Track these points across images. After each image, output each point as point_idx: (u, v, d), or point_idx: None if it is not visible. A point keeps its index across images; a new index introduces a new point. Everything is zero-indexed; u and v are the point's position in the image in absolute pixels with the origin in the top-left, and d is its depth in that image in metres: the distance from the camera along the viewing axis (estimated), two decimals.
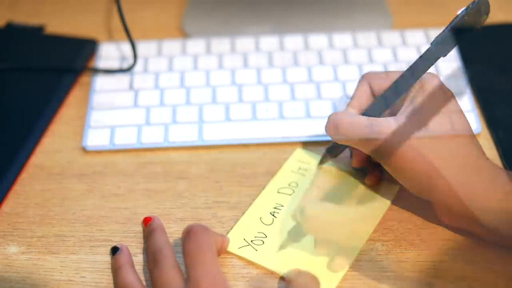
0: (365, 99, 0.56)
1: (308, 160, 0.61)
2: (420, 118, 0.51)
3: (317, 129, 0.63)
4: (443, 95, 0.52)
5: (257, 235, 0.55)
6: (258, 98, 0.67)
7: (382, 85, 0.55)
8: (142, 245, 0.55)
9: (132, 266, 0.53)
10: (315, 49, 0.72)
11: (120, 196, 0.59)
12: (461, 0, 0.77)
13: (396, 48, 0.71)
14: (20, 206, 0.59)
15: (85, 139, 0.64)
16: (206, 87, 0.68)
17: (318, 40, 0.73)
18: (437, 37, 0.51)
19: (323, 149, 0.62)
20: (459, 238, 0.54)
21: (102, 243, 0.56)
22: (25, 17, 0.78)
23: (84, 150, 0.64)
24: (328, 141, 0.63)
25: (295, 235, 0.54)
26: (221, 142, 0.63)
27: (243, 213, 0.57)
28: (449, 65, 0.69)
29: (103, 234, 0.56)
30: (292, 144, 0.63)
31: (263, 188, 0.59)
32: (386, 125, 0.51)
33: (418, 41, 0.72)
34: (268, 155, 0.62)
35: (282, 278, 0.52)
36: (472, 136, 0.52)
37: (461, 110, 0.53)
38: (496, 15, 0.75)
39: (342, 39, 0.73)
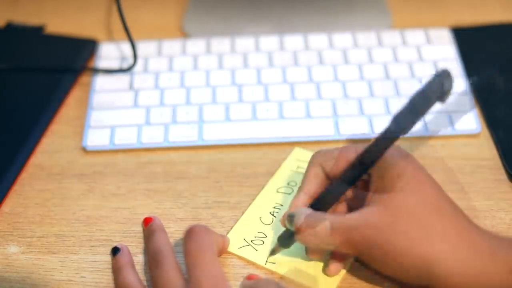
0: (317, 183, 0.52)
1: (307, 159, 0.60)
2: (398, 205, 0.47)
3: (317, 129, 0.63)
4: (412, 168, 0.48)
5: (257, 235, 0.55)
6: (258, 98, 0.67)
7: (336, 165, 0.51)
8: (142, 245, 0.55)
9: (133, 266, 0.53)
10: (315, 49, 0.72)
11: (120, 196, 0.59)
12: (461, 0, 0.78)
13: (396, 48, 0.71)
14: (20, 206, 0.59)
15: (85, 139, 0.64)
16: (206, 87, 0.68)
17: (318, 40, 0.73)
18: (396, 115, 0.46)
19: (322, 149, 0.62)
20: None
21: (102, 243, 0.56)
22: (25, 17, 0.78)
23: (84, 150, 0.64)
24: (326, 141, 0.63)
25: (284, 241, 0.52)
26: (221, 142, 0.63)
27: (243, 213, 0.57)
28: (449, 65, 0.69)
29: (103, 234, 0.56)
30: (292, 144, 0.63)
31: (263, 188, 0.59)
32: (369, 225, 0.46)
33: (418, 41, 0.72)
34: (268, 155, 0.62)
35: (281, 278, 0.52)
36: (455, 206, 0.48)
37: (432, 178, 0.48)
38: (497, 15, 0.75)
39: (342, 39, 0.73)
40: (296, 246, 0.52)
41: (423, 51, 0.71)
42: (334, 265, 0.51)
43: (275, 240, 0.53)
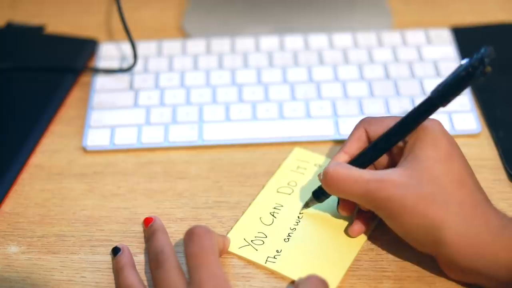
0: (359, 145, 0.54)
1: (307, 159, 0.61)
2: (424, 168, 0.48)
3: (317, 129, 0.63)
4: (445, 140, 0.50)
5: (257, 235, 0.55)
6: (258, 98, 0.67)
7: (378, 130, 0.53)
8: (143, 245, 0.55)
9: (134, 266, 0.53)
10: (315, 49, 0.72)
11: (120, 196, 0.59)
12: (461, 0, 0.78)
13: (396, 48, 0.71)
14: (20, 206, 0.59)
15: (85, 139, 0.64)
16: (206, 87, 0.68)
17: (318, 40, 0.73)
18: (438, 85, 0.48)
19: (322, 149, 0.62)
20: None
21: (102, 243, 0.56)
22: (25, 17, 0.78)
23: (84, 150, 0.64)
24: (326, 141, 0.63)
25: (319, 194, 0.55)
26: (221, 142, 0.63)
27: (243, 213, 0.57)
28: (449, 65, 0.69)
29: (103, 234, 0.56)
30: (292, 144, 0.63)
31: (263, 188, 0.59)
32: (389, 179, 0.48)
33: (418, 41, 0.72)
34: (268, 155, 0.62)
35: (292, 283, 0.52)
36: (477, 183, 0.50)
37: (463, 156, 0.50)
38: (497, 15, 0.75)
39: (342, 39, 0.73)
40: (322, 206, 0.56)
41: (423, 51, 0.71)
42: (358, 226, 0.53)
43: (275, 240, 0.54)
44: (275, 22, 0.76)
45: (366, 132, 0.54)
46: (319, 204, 0.56)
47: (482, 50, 0.46)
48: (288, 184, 0.59)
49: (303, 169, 0.60)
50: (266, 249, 0.54)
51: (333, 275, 0.52)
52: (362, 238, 0.54)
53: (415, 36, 0.73)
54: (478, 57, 0.46)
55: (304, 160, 0.61)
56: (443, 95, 0.48)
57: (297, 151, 0.62)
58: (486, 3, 0.77)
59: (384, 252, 0.54)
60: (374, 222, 0.55)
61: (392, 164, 0.53)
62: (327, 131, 0.63)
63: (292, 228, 0.55)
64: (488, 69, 0.46)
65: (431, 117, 0.50)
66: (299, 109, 0.65)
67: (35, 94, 0.68)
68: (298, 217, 0.56)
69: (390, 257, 0.53)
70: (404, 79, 0.68)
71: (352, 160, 0.53)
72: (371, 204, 0.50)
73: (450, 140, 0.50)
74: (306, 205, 0.56)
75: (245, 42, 0.73)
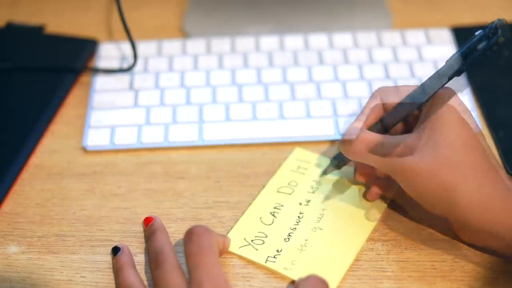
0: (375, 114, 0.55)
1: (308, 159, 0.61)
2: (438, 133, 0.50)
3: (317, 129, 0.63)
4: (460, 108, 0.51)
5: (257, 234, 0.55)
6: (258, 98, 0.67)
7: (394, 99, 0.54)
8: (143, 245, 0.55)
9: (134, 266, 0.53)
10: (315, 49, 0.72)
11: (120, 196, 0.59)
12: (461, 0, 0.78)
13: (396, 48, 0.71)
14: (20, 206, 0.59)
15: (85, 139, 0.64)
16: (206, 87, 0.68)
17: (318, 40, 0.73)
18: (452, 55, 0.50)
19: (322, 149, 0.62)
20: (458, 238, 0.54)
21: (102, 243, 0.55)
22: (25, 17, 0.78)
23: (84, 150, 0.64)
24: (326, 141, 0.63)
25: (337, 162, 0.57)
26: (221, 142, 0.63)
27: (244, 212, 0.57)
28: None
29: (103, 234, 0.56)
30: (292, 144, 0.63)
31: (263, 187, 0.59)
32: (405, 143, 0.50)
33: (418, 41, 0.72)
34: (268, 155, 0.62)
35: (292, 283, 0.52)
36: (489, 148, 0.51)
37: (476, 122, 0.52)
38: (497, 15, 0.75)
39: (342, 39, 0.73)
40: (341, 173, 0.58)
41: (423, 51, 0.71)
42: (375, 190, 0.56)
43: (276, 240, 0.54)
44: (275, 22, 0.76)
45: (382, 100, 0.55)
46: (319, 203, 0.56)
47: (496, 21, 0.48)
48: (289, 184, 0.59)
49: (304, 169, 0.60)
50: (266, 248, 0.54)
51: (333, 275, 0.52)
52: (362, 238, 0.54)
53: (415, 36, 0.73)
54: (492, 26, 0.47)
55: (305, 160, 0.61)
56: (459, 62, 0.49)
57: (298, 151, 0.62)
58: (486, 3, 0.77)
59: (384, 252, 0.54)
60: (391, 190, 0.56)
61: (407, 131, 0.54)
62: (327, 131, 0.63)
63: (292, 228, 0.55)
64: (501, 39, 0.47)
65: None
66: (299, 109, 0.65)
67: (35, 94, 0.68)
68: (299, 217, 0.56)
69: (390, 257, 0.53)
70: (404, 79, 0.68)
71: (369, 128, 0.54)
72: (386, 167, 0.51)
73: (464, 108, 0.52)
74: (325, 172, 0.59)
75: (245, 42, 0.73)
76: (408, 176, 0.50)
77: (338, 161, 0.58)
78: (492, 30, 0.47)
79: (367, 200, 0.56)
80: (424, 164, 0.49)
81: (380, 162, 0.52)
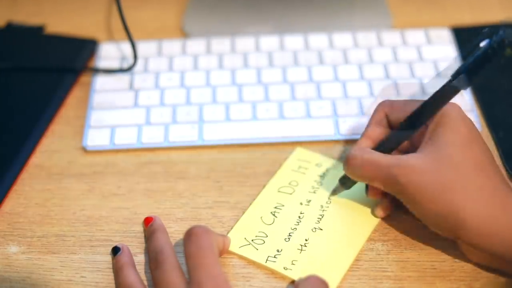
0: (380, 129, 0.55)
1: (309, 159, 0.61)
2: (443, 154, 0.49)
3: (317, 129, 0.63)
4: (465, 125, 0.50)
5: (258, 234, 0.55)
6: (258, 98, 0.67)
7: (399, 115, 0.54)
8: (143, 245, 0.55)
9: (134, 266, 0.53)
10: (315, 49, 0.72)
11: (120, 196, 0.59)
12: (461, 0, 0.78)
13: (396, 48, 0.71)
14: (20, 206, 0.59)
15: (85, 139, 0.64)
16: (206, 87, 0.68)
17: (318, 40, 0.73)
18: (458, 69, 0.49)
19: (322, 149, 0.62)
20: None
21: (102, 243, 0.56)
22: (25, 17, 0.78)
23: (84, 150, 0.64)
24: (326, 141, 0.63)
25: (345, 181, 0.56)
26: (221, 142, 0.63)
27: (244, 212, 0.57)
28: (449, 65, 0.69)
29: (103, 234, 0.56)
30: (292, 144, 0.63)
31: (264, 187, 0.59)
32: (409, 165, 0.49)
33: (418, 41, 0.72)
34: (268, 155, 0.62)
35: (292, 283, 0.52)
36: (496, 168, 0.50)
37: (483, 141, 0.51)
38: (496, 15, 0.75)
39: (342, 39, 0.73)
40: (351, 193, 0.57)
41: (423, 51, 0.71)
42: (383, 206, 0.55)
43: (276, 239, 0.54)
44: (275, 22, 0.76)
45: (386, 115, 0.55)
46: (319, 203, 0.56)
47: (501, 32, 0.47)
48: (289, 183, 0.59)
49: (305, 169, 0.60)
50: (266, 248, 0.54)
51: (333, 275, 0.52)
52: (363, 238, 0.54)
53: (415, 36, 0.73)
54: (497, 39, 0.47)
55: (306, 160, 0.61)
56: (465, 78, 0.49)
57: (299, 151, 0.62)
58: (486, 2, 0.77)
59: (384, 252, 0.54)
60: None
61: (412, 146, 0.54)
62: (327, 131, 0.63)
63: (293, 228, 0.55)
64: (508, 51, 0.47)
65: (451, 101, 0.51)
66: (299, 109, 0.65)
67: (35, 94, 0.68)
68: (299, 216, 0.56)
69: (390, 257, 0.53)
70: (404, 79, 0.68)
71: (376, 145, 0.54)
72: (392, 189, 0.51)
73: (470, 125, 0.51)
74: (334, 192, 0.57)
75: (245, 42, 0.73)
76: (412, 198, 0.49)
77: (347, 181, 0.56)
78: (498, 42, 0.47)
79: (378, 216, 0.55)
80: (429, 187, 0.48)
81: (384, 184, 0.51)
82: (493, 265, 0.51)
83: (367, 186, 0.55)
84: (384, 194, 0.54)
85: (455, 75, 0.49)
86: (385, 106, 0.55)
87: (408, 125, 0.53)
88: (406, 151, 0.54)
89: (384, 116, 0.55)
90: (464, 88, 0.49)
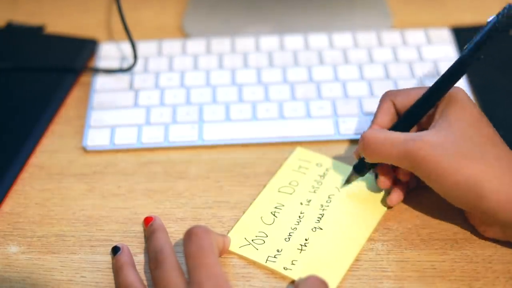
0: (389, 117, 0.55)
1: (309, 158, 0.61)
2: (456, 128, 0.50)
3: (317, 129, 0.63)
4: (474, 106, 0.52)
5: (258, 234, 0.55)
6: (258, 98, 0.67)
7: (405, 101, 0.55)
8: (143, 245, 0.55)
9: (133, 266, 0.53)
10: (315, 49, 0.72)
11: (120, 196, 0.59)
12: (461, 0, 0.78)
13: (396, 48, 0.71)
14: (20, 206, 0.59)
15: (85, 139, 0.64)
16: (206, 87, 0.68)
17: (318, 40, 0.73)
18: (467, 45, 0.51)
19: (323, 148, 0.62)
20: (459, 238, 0.54)
21: (102, 243, 0.56)
22: (25, 17, 0.78)
23: (84, 150, 0.64)
24: (326, 141, 0.63)
25: (359, 169, 0.56)
26: (221, 142, 0.63)
27: (244, 212, 0.57)
28: (449, 65, 0.69)
29: (103, 234, 0.56)
30: (292, 143, 0.63)
31: (264, 187, 0.59)
32: (426, 138, 0.50)
33: (418, 41, 0.72)
34: (268, 155, 0.62)
35: (292, 282, 0.52)
36: (507, 146, 0.51)
37: (490, 123, 0.52)
38: None
39: (342, 39, 0.73)
40: (364, 180, 0.58)
41: (423, 51, 0.71)
42: (396, 194, 0.55)
43: (276, 239, 0.54)
44: (275, 22, 0.76)
45: (393, 103, 0.55)
46: (319, 203, 0.56)
47: (507, 6, 0.48)
48: (290, 183, 0.59)
49: (305, 169, 0.60)
50: (266, 248, 0.54)
51: (333, 275, 0.52)
52: (363, 238, 0.54)
53: (415, 36, 0.73)
54: (505, 13, 0.49)
55: (306, 160, 0.61)
56: (474, 52, 0.50)
57: (299, 150, 0.62)
58: (486, 2, 0.77)
59: (384, 252, 0.54)
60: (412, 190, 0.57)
61: (421, 130, 0.54)
62: (327, 131, 0.63)
63: (293, 228, 0.55)
64: None
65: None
66: (299, 109, 0.65)
67: (35, 94, 0.68)
68: (299, 216, 0.56)
69: (390, 257, 0.53)
70: (404, 79, 0.68)
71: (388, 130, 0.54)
72: (410, 164, 0.51)
73: (477, 107, 0.52)
74: (348, 180, 0.58)
75: (245, 42, 0.73)
76: (432, 172, 0.49)
77: (360, 168, 0.57)
78: (505, 16, 0.48)
79: (390, 206, 0.56)
80: (447, 158, 0.49)
81: (402, 160, 0.51)
82: (509, 238, 0.51)
83: (376, 176, 0.56)
84: (395, 182, 0.55)
85: (465, 51, 0.51)
86: (390, 95, 0.56)
87: (418, 107, 0.53)
88: None
89: (391, 105, 0.56)
90: (474, 60, 0.51)
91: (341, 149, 0.62)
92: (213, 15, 0.77)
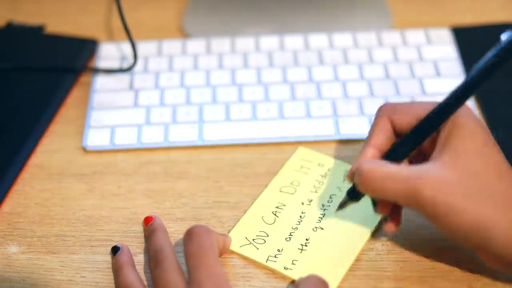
0: (386, 136, 0.51)
1: (311, 158, 0.61)
2: (463, 162, 0.46)
3: (317, 129, 0.63)
4: (480, 131, 0.48)
5: (258, 234, 0.55)
6: (258, 98, 0.67)
7: (404, 120, 0.50)
8: (143, 245, 0.55)
9: (133, 265, 0.53)
10: (315, 49, 0.72)
11: (120, 196, 0.59)
12: (461, 0, 0.78)
13: (396, 48, 0.71)
14: (20, 206, 0.59)
15: (85, 139, 0.64)
16: (206, 87, 0.68)
17: (318, 40, 0.73)
18: (478, 64, 0.47)
19: (323, 149, 0.62)
20: None
21: (102, 243, 0.55)
22: (25, 17, 0.78)
23: (84, 150, 0.64)
24: (326, 141, 0.63)
25: (353, 194, 0.52)
26: (221, 142, 0.63)
27: (245, 212, 0.57)
28: (449, 65, 0.69)
29: (103, 234, 0.56)
30: (292, 144, 0.63)
31: (265, 187, 0.59)
32: (431, 176, 0.46)
33: (418, 41, 0.72)
34: (268, 155, 0.62)
35: (292, 282, 0.52)
36: (510, 169, 0.48)
37: (497, 144, 0.49)
38: (497, 15, 0.75)
39: (342, 39, 0.73)
40: (359, 206, 0.53)
41: (423, 51, 0.71)
42: (394, 222, 0.51)
43: (277, 239, 0.54)
44: (275, 22, 0.76)
45: (390, 120, 0.51)
46: (319, 205, 0.56)
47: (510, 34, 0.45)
48: (291, 183, 0.59)
49: (307, 169, 0.60)
50: (267, 248, 0.54)
51: (333, 275, 0.52)
52: (363, 238, 0.54)
53: (415, 36, 0.73)
54: (508, 42, 0.46)
55: (308, 159, 0.61)
56: (484, 73, 0.46)
57: (301, 150, 0.62)
58: (486, 2, 0.77)
59: (384, 252, 0.54)
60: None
61: (420, 153, 0.51)
62: (327, 131, 0.63)
63: (294, 228, 0.55)
64: None
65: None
66: (299, 109, 0.65)
67: (35, 94, 0.68)
68: (300, 216, 0.56)
69: (390, 257, 0.53)
70: (404, 79, 0.68)
71: (385, 155, 0.51)
72: (412, 203, 0.47)
73: (485, 129, 0.49)
74: (341, 206, 0.53)
75: (245, 42, 0.73)
76: (439, 212, 0.46)
77: (355, 194, 0.52)
78: (508, 45, 0.46)
79: (387, 232, 0.52)
80: (457, 199, 0.45)
81: (404, 198, 0.47)
82: None
83: (374, 202, 0.52)
84: (393, 209, 0.52)
85: (475, 72, 0.47)
86: (387, 110, 0.52)
87: (420, 130, 0.49)
88: (413, 158, 0.52)
89: (387, 121, 0.51)
90: (482, 83, 0.47)
91: (341, 149, 0.62)
92: (213, 15, 0.77)
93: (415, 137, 0.49)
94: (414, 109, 0.50)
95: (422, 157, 0.51)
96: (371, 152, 0.51)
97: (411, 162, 0.52)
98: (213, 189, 0.59)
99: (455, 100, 0.48)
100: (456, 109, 0.48)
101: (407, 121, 0.50)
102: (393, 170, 0.47)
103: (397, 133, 0.52)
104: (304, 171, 0.60)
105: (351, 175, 0.51)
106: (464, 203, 0.45)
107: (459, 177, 0.46)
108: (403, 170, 0.47)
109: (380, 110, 0.52)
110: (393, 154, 0.50)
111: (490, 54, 0.46)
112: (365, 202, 0.57)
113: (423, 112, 0.49)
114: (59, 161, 0.63)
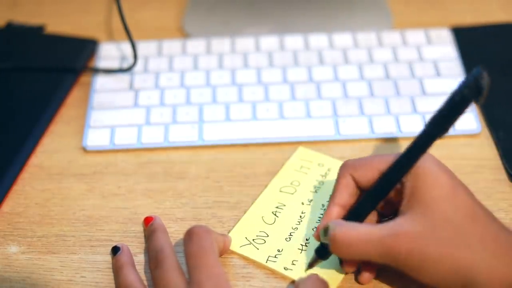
0: (348, 193, 0.51)
1: (311, 158, 0.61)
2: (433, 211, 0.46)
3: (317, 129, 0.63)
4: (445, 175, 0.47)
5: (258, 234, 0.55)
6: (258, 98, 0.67)
7: (366, 175, 0.50)
8: (143, 245, 0.55)
9: (133, 266, 0.53)
10: (315, 49, 0.72)
11: (120, 196, 0.59)
12: (461, 0, 0.78)
13: (396, 48, 0.71)
14: (20, 206, 0.59)
15: (85, 139, 0.64)
16: (206, 87, 0.68)
17: (318, 40, 0.73)
18: (433, 117, 0.45)
19: (323, 149, 0.62)
20: None
21: (102, 243, 0.55)
22: (25, 17, 0.78)
23: (84, 150, 0.64)
24: (326, 141, 0.63)
25: (322, 253, 0.51)
26: (221, 142, 0.63)
27: (245, 212, 0.57)
28: (449, 65, 0.69)
29: (103, 234, 0.56)
30: (292, 144, 0.63)
31: (265, 187, 0.59)
32: (404, 232, 0.46)
33: (418, 41, 0.72)
34: (268, 155, 0.62)
35: (292, 282, 0.52)
36: (487, 212, 0.47)
37: (466, 187, 0.48)
38: (497, 15, 0.75)
39: (342, 39, 0.73)
40: (328, 263, 0.52)
41: (423, 51, 0.71)
42: (367, 274, 0.51)
43: (277, 239, 0.54)
44: (275, 22, 0.76)
45: (353, 177, 0.51)
46: (319, 205, 0.56)
47: (474, 72, 0.43)
48: (291, 183, 0.59)
49: (307, 169, 0.60)
50: (267, 248, 0.54)
51: (333, 275, 0.51)
52: None
53: (415, 36, 0.73)
54: (469, 80, 0.44)
55: (308, 159, 0.61)
56: (439, 125, 0.45)
57: (301, 150, 0.62)
58: (486, 3, 0.77)
59: None
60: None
61: (387, 204, 0.51)
62: (327, 131, 0.63)
63: (294, 228, 0.55)
64: (484, 91, 0.43)
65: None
66: (299, 109, 0.65)
67: (35, 94, 0.68)
68: (300, 216, 0.56)
69: None
70: (404, 79, 0.68)
71: (349, 212, 0.50)
72: (387, 260, 0.47)
73: (450, 174, 0.48)
74: (310, 265, 0.52)
75: (245, 42, 0.73)
76: (416, 265, 0.46)
77: (323, 253, 0.50)
78: (471, 82, 0.43)
79: (361, 283, 0.51)
80: (432, 250, 0.45)
81: (380, 258, 0.47)
82: None
83: (340, 261, 0.51)
84: (363, 262, 0.50)
85: (430, 124, 0.46)
86: (348, 168, 0.51)
87: (382, 183, 0.48)
88: (380, 211, 0.52)
89: (350, 178, 0.51)
90: (440, 135, 0.46)
91: (341, 149, 0.62)
92: (213, 15, 0.77)
93: (376, 194, 0.49)
94: (374, 163, 0.50)
95: (389, 206, 0.51)
96: (336, 210, 0.51)
97: (381, 210, 0.52)
98: (213, 189, 0.59)
99: (418, 148, 0.47)
100: (417, 160, 0.47)
101: (369, 176, 0.50)
102: (365, 231, 0.47)
103: (362, 188, 0.51)
104: (304, 171, 0.60)
105: (318, 236, 0.50)
106: (439, 251, 0.45)
107: (431, 227, 0.46)
108: (375, 230, 0.47)
109: (343, 167, 0.52)
110: (357, 212, 0.49)
111: (443, 105, 0.45)
112: None
113: (384, 166, 0.49)
114: (59, 161, 0.63)
